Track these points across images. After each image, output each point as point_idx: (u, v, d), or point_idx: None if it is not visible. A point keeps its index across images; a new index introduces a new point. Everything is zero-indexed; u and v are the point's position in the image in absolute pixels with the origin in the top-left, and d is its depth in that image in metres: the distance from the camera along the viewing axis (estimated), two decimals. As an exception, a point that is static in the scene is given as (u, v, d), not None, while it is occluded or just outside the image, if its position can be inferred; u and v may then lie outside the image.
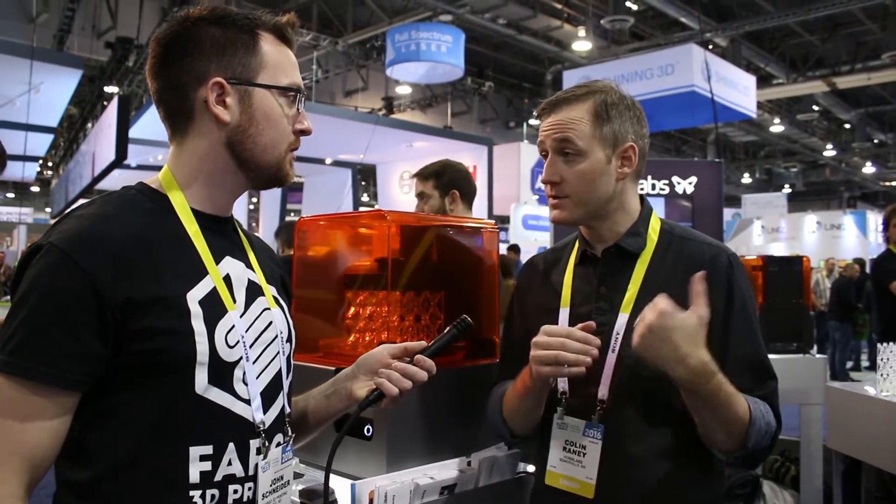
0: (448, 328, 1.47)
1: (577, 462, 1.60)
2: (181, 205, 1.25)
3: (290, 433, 1.34)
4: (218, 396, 1.18)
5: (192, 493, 1.15)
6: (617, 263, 1.67)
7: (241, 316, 1.23)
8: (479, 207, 14.22)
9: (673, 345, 1.38)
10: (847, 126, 25.12)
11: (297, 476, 1.66)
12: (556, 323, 1.67)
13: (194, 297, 1.17)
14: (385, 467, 1.62)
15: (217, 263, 1.24)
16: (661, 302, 1.39)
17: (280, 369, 1.31)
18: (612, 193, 1.65)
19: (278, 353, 1.31)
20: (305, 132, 1.32)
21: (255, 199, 20.41)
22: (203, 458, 1.17)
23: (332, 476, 1.65)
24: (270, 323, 1.30)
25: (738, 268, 1.63)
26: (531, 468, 1.82)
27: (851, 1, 14.23)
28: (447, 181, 3.07)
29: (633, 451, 1.57)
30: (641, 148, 1.67)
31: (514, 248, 12.09)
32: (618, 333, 1.60)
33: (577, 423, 1.62)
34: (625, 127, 1.63)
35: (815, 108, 22.68)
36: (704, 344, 1.41)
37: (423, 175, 3.15)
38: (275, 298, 1.34)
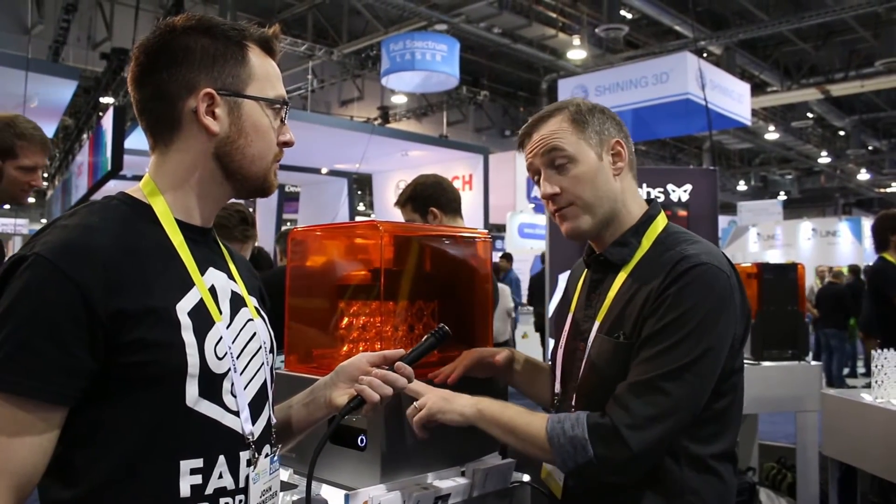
0: (426, 336, 1.50)
1: None
2: (165, 215, 1.23)
3: (276, 443, 1.33)
4: (208, 409, 1.17)
5: None
6: (604, 271, 1.69)
7: (227, 327, 1.23)
8: (475, 216, 14.26)
9: (435, 410, 1.60)
10: (841, 133, 25.21)
11: (291, 487, 1.65)
12: (565, 326, 1.78)
13: (183, 308, 1.16)
14: (379, 478, 1.61)
15: (202, 274, 1.23)
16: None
17: (265, 380, 1.31)
18: (615, 192, 1.65)
19: (263, 363, 1.31)
20: (289, 144, 1.32)
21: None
22: (193, 471, 1.15)
23: (326, 486, 1.67)
24: (254, 334, 1.30)
25: (690, 278, 1.49)
26: (526, 477, 1.83)
27: (844, 9, 14.32)
28: (421, 202, 3.07)
29: None
30: (628, 147, 1.69)
31: (507, 257, 12.11)
32: (590, 342, 1.63)
33: None
34: (605, 126, 1.66)
35: (810, 115, 22.76)
36: (457, 400, 1.62)
37: (400, 204, 3.16)
38: (256, 309, 1.34)
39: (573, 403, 1.65)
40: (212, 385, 1.17)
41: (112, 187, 13.63)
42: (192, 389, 1.14)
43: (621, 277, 1.63)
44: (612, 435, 1.45)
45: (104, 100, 14.06)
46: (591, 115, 1.66)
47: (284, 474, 1.66)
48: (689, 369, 1.46)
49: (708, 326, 1.48)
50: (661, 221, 1.68)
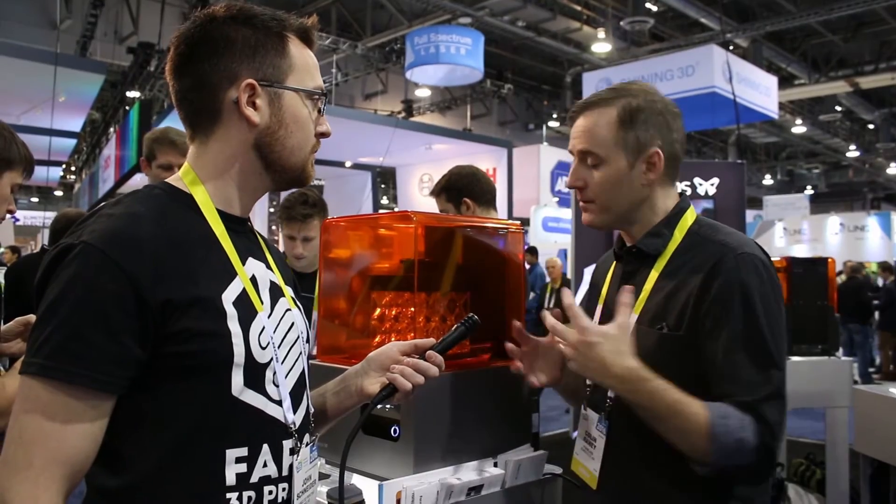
0: (455, 326, 1.50)
1: (590, 453, 1.68)
2: (206, 205, 1.24)
3: (314, 432, 1.34)
4: (252, 398, 1.18)
5: (228, 495, 1.15)
6: (637, 263, 1.69)
7: (268, 317, 1.23)
8: (499, 210, 14.21)
9: (597, 358, 1.46)
10: (870, 126, 24.86)
11: (324, 477, 1.66)
12: (592, 318, 1.74)
13: (228, 298, 1.16)
14: (412, 468, 1.61)
15: (243, 264, 1.23)
16: (582, 320, 1.48)
17: (303, 369, 1.32)
18: (638, 199, 1.65)
19: (301, 353, 1.32)
20: (326, 135, 1.32)
21: (275, 203, 20.53)
22: (239, 460, 1.16)
23: (359, 477, 1.67)
24: (293, 324, 1.30)
25: (744, 267, 1.52)
26: (558, 469, 1.83)
27: (875, 0, 14.09)
28: (455, 192, 3.09)
29: (636, 447, 1.59)
30: (670, 153, 1.65)
31: (532, 251, 12.01)
32: None
33: (593, 416, 1.69)
34: (650, 133, 1.63)
35: (838, 108, 22.47)
36: (631, 352, 1.46)
37: (435, 193, 3.18)
38: (292, 299, 1.35)
39: (610, 394, 1.63)
40: (256, 374, 1.18)
41: (139, 181, 13.77)
42: (237, 379, 1.15)
43: (658, 268, 1.63)
44: (767, 444, 1.44)
45: (131, 94, 14.20)
46: (640, 117, 1.62)
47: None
48: (783, 362, 1.50)
49: (775, 312, 1.51)
50: (690, 214, 1.69)
